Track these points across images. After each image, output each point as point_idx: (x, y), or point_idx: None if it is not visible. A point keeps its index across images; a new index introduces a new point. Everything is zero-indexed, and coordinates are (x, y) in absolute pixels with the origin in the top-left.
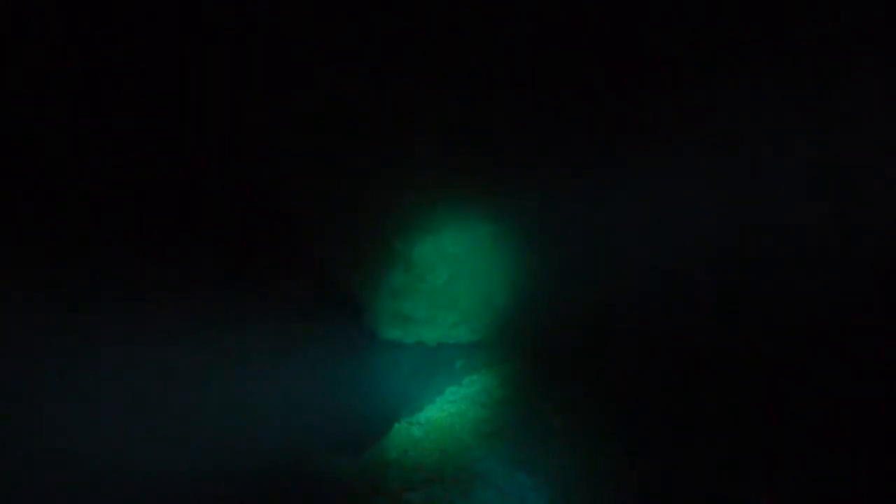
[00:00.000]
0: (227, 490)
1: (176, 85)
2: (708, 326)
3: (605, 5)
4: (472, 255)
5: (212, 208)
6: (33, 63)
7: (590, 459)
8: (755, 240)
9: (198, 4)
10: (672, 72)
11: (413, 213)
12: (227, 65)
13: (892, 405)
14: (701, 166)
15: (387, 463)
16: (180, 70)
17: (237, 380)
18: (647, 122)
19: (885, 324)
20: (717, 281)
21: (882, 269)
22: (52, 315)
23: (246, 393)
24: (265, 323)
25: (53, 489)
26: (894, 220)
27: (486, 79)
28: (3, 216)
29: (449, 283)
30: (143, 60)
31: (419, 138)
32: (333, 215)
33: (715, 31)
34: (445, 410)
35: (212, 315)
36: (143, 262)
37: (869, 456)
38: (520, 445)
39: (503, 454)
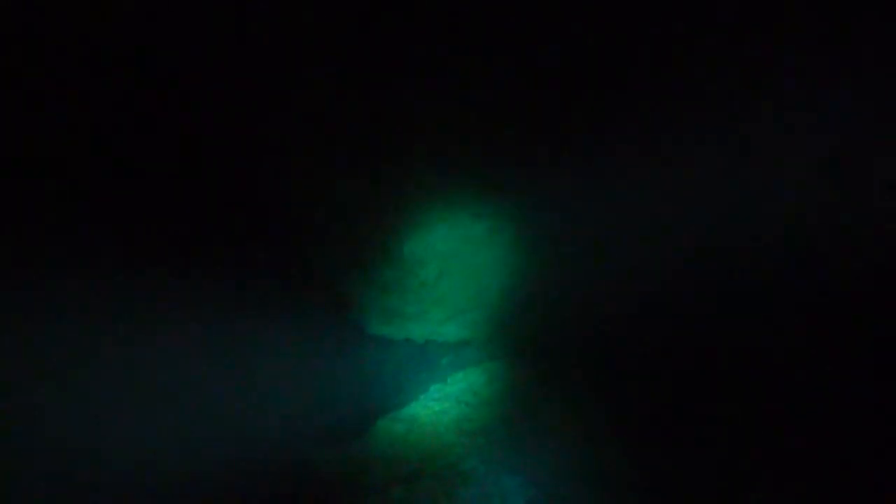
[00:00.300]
0: (211, 480)
1: (176, 86)
2: (705, 325)
3: (602, 4)
4: (463, 252)
5: (204, 204)
6: (34, 63)
7: (575, 461)
8: (753, 238)
9: (198, 4)
10: (668, 68)
11: (405, 209)
12: (226, 65)
13: (892, 406)
14: (698, 164)
15: (369, 457)
16: (180, 71)
17: (222, 373)
18: (643, 119)
19: (886, 324)
20: (716, 279)
21: (882, 269)
22: (55, 316)
23: (231, 386)
24: (252, 317)
25: (54, 486)
26: (893, 219)
27: (480, 78)
28: (5, 216)
29: (439, 279)
30: (143, 61)
31: (413, 136)
32: (324, 211)
33: (713, 30)
34: (430, 408)
35: (199, 310)
36: (138, 259)
37: (869, 457)
38: (504, 445)
39: (487, 453)
